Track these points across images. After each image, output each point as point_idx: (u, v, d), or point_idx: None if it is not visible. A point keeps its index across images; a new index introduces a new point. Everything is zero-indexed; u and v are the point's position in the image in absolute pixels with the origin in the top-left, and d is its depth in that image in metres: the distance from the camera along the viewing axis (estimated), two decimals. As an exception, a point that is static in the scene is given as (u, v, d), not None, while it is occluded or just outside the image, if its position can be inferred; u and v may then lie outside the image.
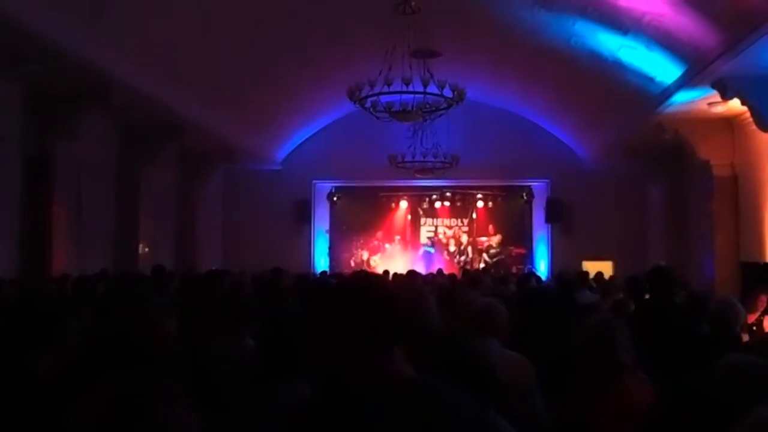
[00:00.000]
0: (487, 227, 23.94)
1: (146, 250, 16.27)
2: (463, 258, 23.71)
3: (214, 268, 15.36)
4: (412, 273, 13.64)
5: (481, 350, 4.16)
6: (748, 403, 2.28)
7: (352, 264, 23.14)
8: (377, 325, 2.33)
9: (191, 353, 4.93)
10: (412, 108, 12.37)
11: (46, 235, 12.57)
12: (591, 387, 4.12)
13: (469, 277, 13.72)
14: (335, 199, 23.89)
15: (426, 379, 2.35)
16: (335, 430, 2.22)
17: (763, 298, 7.17)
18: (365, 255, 23.71)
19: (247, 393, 3.87)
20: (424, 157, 18.03)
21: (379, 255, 23.75)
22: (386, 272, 16.23)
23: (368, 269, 20.59)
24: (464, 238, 24.08)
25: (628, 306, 7.46)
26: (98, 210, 14.92)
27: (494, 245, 23.74)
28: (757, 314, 7.06)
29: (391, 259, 22.91)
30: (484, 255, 23.58)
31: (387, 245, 24.01)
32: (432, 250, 23.88)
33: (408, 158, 17.99)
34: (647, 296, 6.72)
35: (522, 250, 23.62)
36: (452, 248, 24.13)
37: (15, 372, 3.67)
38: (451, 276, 15.40)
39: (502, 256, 23.51)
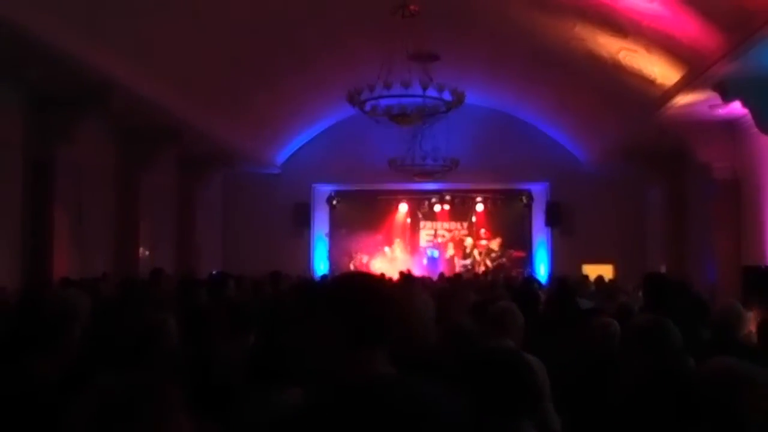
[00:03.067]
0: (487, 231, 23.92)
1: (146, 253, 16.26)
2: (468, 261, 23.68)
3: (214, 271, 15.32)
4: (407, 277, 13.63)
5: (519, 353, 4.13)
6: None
7: (352, 267, 23.08)
8: (356, 325, 2.34)
9: (194, 357, 4.91)
10: (411, 111, 12.37)
11: (47, 239, 12.56)
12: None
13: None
14: (334, 202, 23.90)
15: (406, 378, 2.36)
16: (316, 429, 2.23)
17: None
18: (365, 258, 23.68)
19: (241, 397, 3.86)
20: (424, 161, 18.03)
21: (378, 258, 23.71)
22: (382, 275, 16.24)
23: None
24: (468, 241, 24.04)
25: (632, 310, 7.43)
26: (98, 214, 14.91)
27: (496, 248, 23.71)
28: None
29: (391, 262, 22.91)
30: (486, 259, 23.55)
31: (386, 248, 23.99)
32: (436, 254, 23.85)
33: (407, 161, 17.98)
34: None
35: (522, 254, 23.60)
36: (450, 251, 24.11)
37: (15, 377, 3.65)
38: (458, 276, 15.39)
39: (504, 260, 23.48)
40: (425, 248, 24.16)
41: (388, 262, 23.07)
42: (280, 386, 3.67)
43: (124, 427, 1.94)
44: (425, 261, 23.75)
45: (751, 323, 6.93)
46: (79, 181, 14.01)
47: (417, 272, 19.43)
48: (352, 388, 2.26)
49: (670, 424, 3.37)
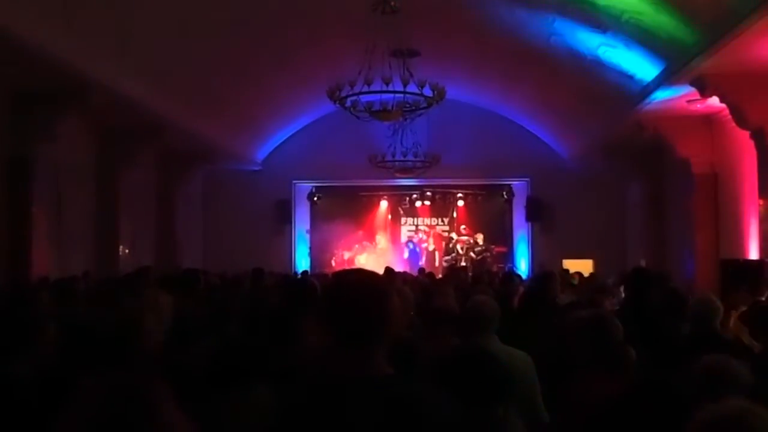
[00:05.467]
0: (468, 226, 23.96)
1: (126, 251, 16.17)
2: (451, 256, 23.70)
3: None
4: (389, 272, 13.66)
5: (490, 348, 4.18)
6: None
7: (333, 264, 23.07)
8: (354, 324, 2.35)
9: (170, 353, 4.90)
10: (392, 107, 12.37)
11: (26, 238, 12.45)
12: (588, 380, 4.11)
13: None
14: (316, 199, 23.86)
15: (400, 377, 2.37)
16: (309, 427, 2.23)
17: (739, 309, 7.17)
18: (346, 255, 23.67)
19: (213, 394, 3.85)
20: (405, 157, 18.04)
21: (359, 254, 23.72)
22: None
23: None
24: (453, 236, 24.07)
25: (602, 305, 7.50)
26: (78, 212, 14.81)
27: (480, 243, 23.72)
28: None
29: (372, 258, 22.91)
30: (471, 253, 23.57)
31: (368, 245, 24.00)
32: (417, 250, 23.89)
33: (388, 158, 17.99)
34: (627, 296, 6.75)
35: (503, 249, 23.68)
36: (431, 247, 24.16)
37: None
38: (431, 275, 15.42)
39: (488, 254, 23.52)
40: (406, 242, 24.18)
41: (369, 258, 23.05)
42: (253, 384, 3.68)
43: (137, 425, 1.93)
44: (406, 254, 23.78)
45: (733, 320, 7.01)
46: (58, 179, 13.93)
47: (398, 267, 19.42)
48: (341, 386, 2.27)
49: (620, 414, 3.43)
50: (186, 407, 2.17)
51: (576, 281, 12.80)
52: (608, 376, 3.99)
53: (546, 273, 10.15)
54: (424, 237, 24.35)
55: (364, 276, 2.54)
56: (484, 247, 23.66)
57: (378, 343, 2.36)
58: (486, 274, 15.59)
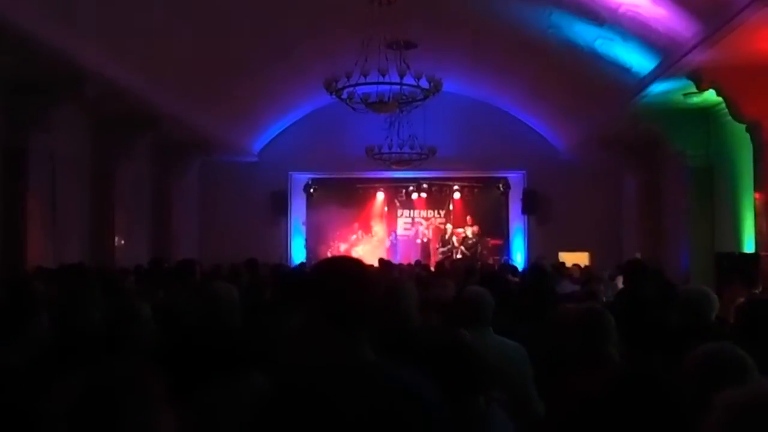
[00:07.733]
0: (464, 218, 23.95)
1: (122, 243, 16.13)
2: (446, 248, 23.69)
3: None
4: (385, 263, 13.69)
5: (467, 339, 4.19)
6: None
7: (329, 255, 22.99)
8: (336, 310, 2.35)
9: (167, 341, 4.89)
10: (389, 99, 12.35)
11: (20, 228, 12.44)
12: (578, 375, 4.10)
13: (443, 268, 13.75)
14: (312, 190, 23.84)
15: (386, 363, 2.37)
16: (297, 412, 2.23)
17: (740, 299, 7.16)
18: (342, 246, 23.66)
19: (207, 381, 3.85)
20: (401, 149, 18.02)
21: (356, 246, 23.70)
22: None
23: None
24: (448, 228, 24.07)
25: (599, 296, 7.50)
26: (73, 203, 14.78)
27: (470, 236, 23.73)
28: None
29: (368, 250, 22.90)
30: (462, 247, 23.57)
31: (364, 236, 23.99)
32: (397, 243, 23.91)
33: (385, 150, 17.96)
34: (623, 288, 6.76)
35: (498, 241, 23.68)
36: (425, 239, 24.14)
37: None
38: (427, 266, 15.46)
39: (480, 246, 23.51)
40: (389, 233, 24.16)
41: (366, 250, 23.05)
42: (245, 371, 3.68)
43: (107, 419, 1.91)
44: (387, 244, 23.76)
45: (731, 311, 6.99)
46: (53, 170, 13.87)
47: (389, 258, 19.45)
48: (326, 374, 2.27)
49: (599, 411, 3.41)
50: (182, 395, 2.16)
51: (577, 273, 12.87)
52: (591, 372, 3.98)
53: (536, 265, 10.16)
54: (421, 228, 24.32)
55: (344, 262, 2.55)
56: (474, 240, 23.65)
57: (359, 330, 2.36)
58: (480, 266, 15.59)
